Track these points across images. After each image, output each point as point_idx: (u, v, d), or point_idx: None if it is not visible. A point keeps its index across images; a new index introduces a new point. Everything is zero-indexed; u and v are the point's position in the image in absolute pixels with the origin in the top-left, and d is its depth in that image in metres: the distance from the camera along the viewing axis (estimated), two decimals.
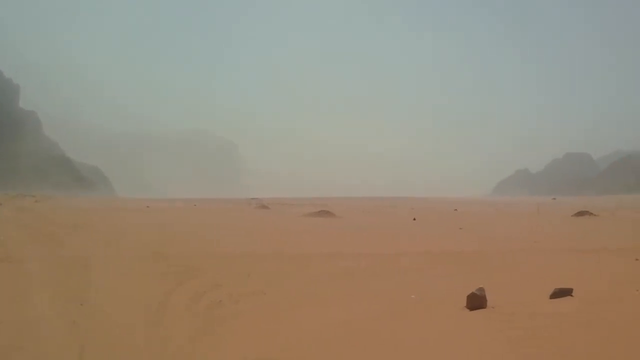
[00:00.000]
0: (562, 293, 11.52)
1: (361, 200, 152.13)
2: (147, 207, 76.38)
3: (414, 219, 49.71)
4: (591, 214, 55.31)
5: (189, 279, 15.33)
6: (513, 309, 10.58)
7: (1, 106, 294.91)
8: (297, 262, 19.13)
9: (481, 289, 11.10)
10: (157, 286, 14.34)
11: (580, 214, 55.91)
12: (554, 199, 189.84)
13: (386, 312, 11.23)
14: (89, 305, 11.98)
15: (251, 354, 8.64)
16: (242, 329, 10.23)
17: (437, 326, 9.89)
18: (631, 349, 8.02)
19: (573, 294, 11.50)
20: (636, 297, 11.65)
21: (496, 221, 49.70)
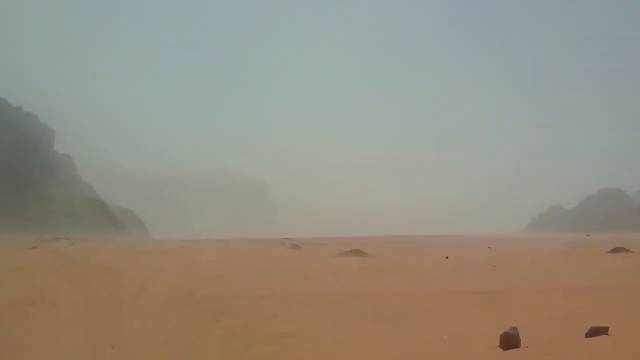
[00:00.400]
0: (597, 332, 11.29)
1: (393, 239, 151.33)
2: (181, 248, 76.67)
3: (447, 257, 49.27)
4: (627, 250, 54.32)
5: (219, 320, 15.34)
6: (548, 348, 10.40)
7: (37, 151, 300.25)
8: (328, 303, 19.03)
9: (514, 328, 10.94)
10: (187, 328, 14.36)
11: (616, 250, 54.92)
12: (588, 235, 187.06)
13: (418, 352, 11.10)
14: (120, 348, 12.01)
15: None
16: None
17: None
18: None
19: (609, 332, 11.27)
20: None
21: (530, 259, 49.01)
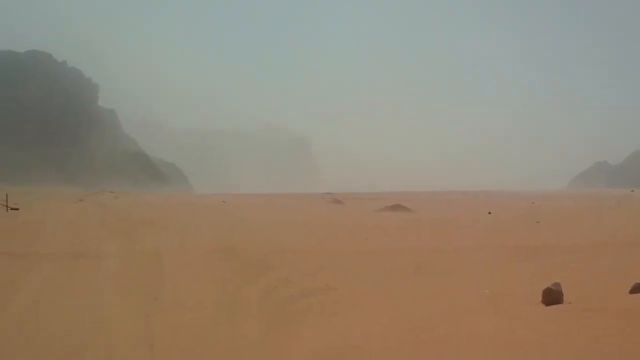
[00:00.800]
0: None
1: (437, 194, 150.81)
2: (223, 202, 77.41)
3: (489, 213, 48.90)
4: None
5: (261, 273, 15.43)
6: (591, 304, 10.24)
7: (81, 105, 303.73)
8: (369, 257, 19.04)
9: (557, 284, 10.81)
10: (228, 281, 14.49)
11: None
12: (632, 191, 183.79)
13: (459, 308, 11.04)
14: (162, 300, 12.19)
15: (320, 348, 8.64)
16: (312, 324, 10.22)
17: (512, 322, 9.66)
18: None
19: None
20: None
21: (574, 214, 48.37)
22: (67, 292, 13.12)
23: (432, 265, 17.28)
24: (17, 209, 47.17)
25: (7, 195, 55.21)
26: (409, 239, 25.38)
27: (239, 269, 16.34)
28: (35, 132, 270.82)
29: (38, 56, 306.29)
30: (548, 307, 10.41)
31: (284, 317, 10.72)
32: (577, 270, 15.31)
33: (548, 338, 8.47)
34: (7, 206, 48.12)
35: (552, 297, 10.64)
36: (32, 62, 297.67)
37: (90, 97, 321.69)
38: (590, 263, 16.99)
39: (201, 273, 15.98)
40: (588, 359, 7.45)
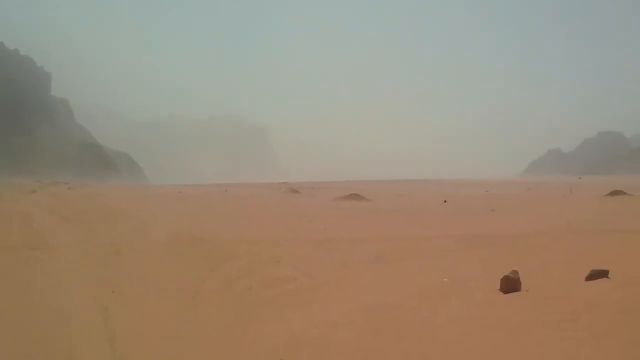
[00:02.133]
0: (598, 275, 11.27)
1: (391, 183, 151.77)
2: (179, 192, 76.85)
3: (445, 201, 49.36)
4: (625, 193, 54.38)
5: (221, 264, 15.39)
6: (548, 291, 10.39)
7: (33, 94, 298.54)
8: (327, 247, 19.05)
9: (515, 272, 10.94)
10: (189, 272, 14.43)
11: (614, 193, 54.98)
12: (580, 178, 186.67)
13: (417, 296, 11.12)
14: (120, 292, 12.07)
15: (283, 338, 8.62)
16: (274, 314, 10.22)
17: (470, 310, 9.76)
18: None
19: (609, 275, 11.26)
20: None
21: (528, 202, 49.06)
22: (24, 285, 12.90)
23: (390, 253, 17.34)
24: None
25: None
26: (367, 228, 25.45)
27: (199, 259, 16.27)
28: None
29: None
30: (506, 295, 10.53)
31: (246, 307, 10.72)
32: (534, 258, 15.49)
33: (508, 325, 8.58)
34: None
35: (510, 284, 10.76)
36: None
37: (42, 86, 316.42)
38: (546, 251, 17.21)
39: (161, 264, 15.88)
40: (548, 346, 7.55)
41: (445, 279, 12.65)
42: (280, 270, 14.63)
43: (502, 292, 10.76)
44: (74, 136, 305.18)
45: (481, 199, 54.70)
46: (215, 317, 10.08)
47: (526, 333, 8.14)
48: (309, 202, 52.81)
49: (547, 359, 7.21)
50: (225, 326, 9.49)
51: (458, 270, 14.05)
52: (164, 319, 9.98)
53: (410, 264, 15.35)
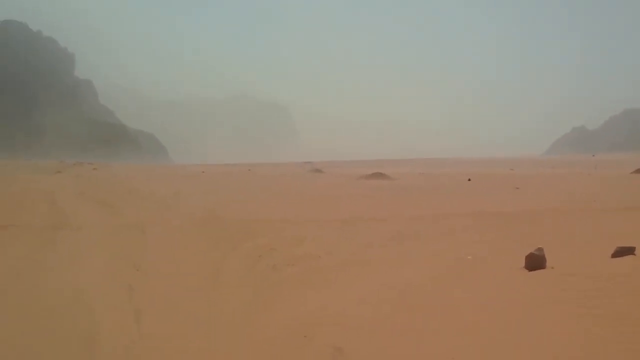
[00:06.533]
0: (624, 252, 11.18)
1: (416, 162, 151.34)
2: (203, 172, 77.05)
3: (469, 180, 49.09)
4: None
5: (244, 243, 15.41)
6: (573, 269, 10.32)
7: (57, 75, 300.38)
8: (351, 225, 19.05)
9: (540, 249, 10.88)
10: (212, 250, 14.47)
11: (639, 171, 54.43)
12: (594, 155, 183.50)
13: (442, 274, 11.09)
14: (144, 270, 12.14)
15: (306, 316, 8.64)
16: (297, 292, 10.23)
17: (495, 287, 9.73)
18: None
19: (635, 252, 11.16)
20: None
21: (553, 180, 48.68)
22: (49, 264, 12.99)
23: (414, 232, 17.31)
24: None
25: None
26: (390, 207, 25.39)
27: (221, 238, 16.30)
28: (9, 103, 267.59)
29: (13, 26, 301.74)
30: (531, 272, 10.48)
31: (268, 286, 10.74)
32: (559, 236, 15.40)
33: (533, 303, 8.53)
34: None
35: (535, 262, 10.71)
36: (6, 32, 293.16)
37: (66, 68, 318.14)
38: (571, 228, 17.10)
39: (184, 243, 15.93)
40: (574, 323, 7.51)
41: (469, 257, 12.61)
42: (304, 248, 14.65)
43: (527, 269, 10.71)
44: (98, 117, 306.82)
45: (505, 177, 54.33)
46: (239, 295, 10.12)
47: (551, 310, 8.10)
48: (333, 181, 52.73)
49: (559, 336, 7.18)
50: (248, 304, 9.52)
51: (483, 248, 13.99)
52: (187, 297, 10.03)
53: (434, 242, 15.31)
